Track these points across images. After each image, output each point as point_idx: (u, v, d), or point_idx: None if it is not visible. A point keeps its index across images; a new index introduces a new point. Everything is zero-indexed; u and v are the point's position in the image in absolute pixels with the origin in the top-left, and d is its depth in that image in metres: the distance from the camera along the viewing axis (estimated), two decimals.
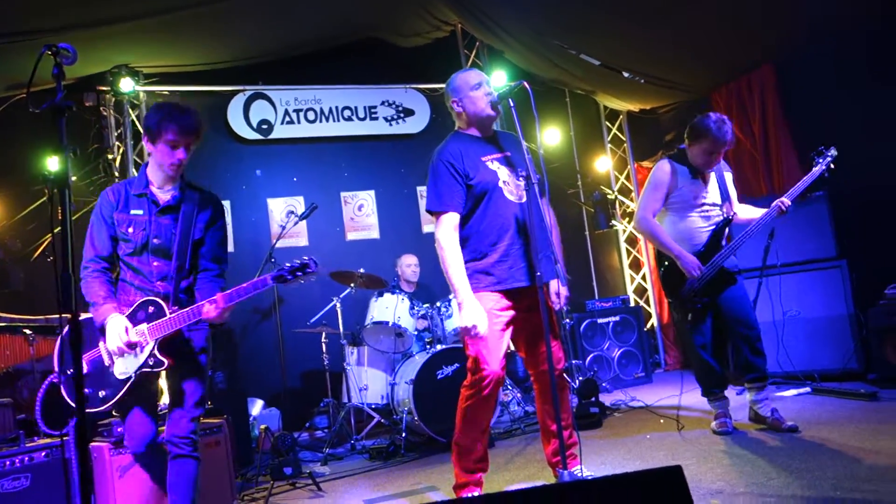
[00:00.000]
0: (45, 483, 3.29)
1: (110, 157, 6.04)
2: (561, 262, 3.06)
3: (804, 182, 3.80)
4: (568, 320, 6.08)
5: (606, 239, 7.87)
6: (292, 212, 6.31)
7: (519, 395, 5.37)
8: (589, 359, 6.27)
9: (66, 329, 2.64)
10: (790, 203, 3.76)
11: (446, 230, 2.92)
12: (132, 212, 2.73)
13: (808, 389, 4.76)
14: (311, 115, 6.70)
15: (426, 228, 6.85)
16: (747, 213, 3.96)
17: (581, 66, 6.52)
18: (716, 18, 5.33)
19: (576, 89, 7.58)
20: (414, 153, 6.81)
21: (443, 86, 3.14)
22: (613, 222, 7.53)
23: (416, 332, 5.24)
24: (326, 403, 5.44)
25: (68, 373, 2.69)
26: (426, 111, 7.04)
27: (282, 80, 6.63)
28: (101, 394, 2.68)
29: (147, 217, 2.73)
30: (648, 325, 7.48)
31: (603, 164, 7.93)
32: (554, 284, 3.02)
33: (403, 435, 4.61)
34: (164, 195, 2.78)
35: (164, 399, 3.06)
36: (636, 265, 7.84)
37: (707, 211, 3.89)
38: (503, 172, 3.00)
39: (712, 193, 3.90)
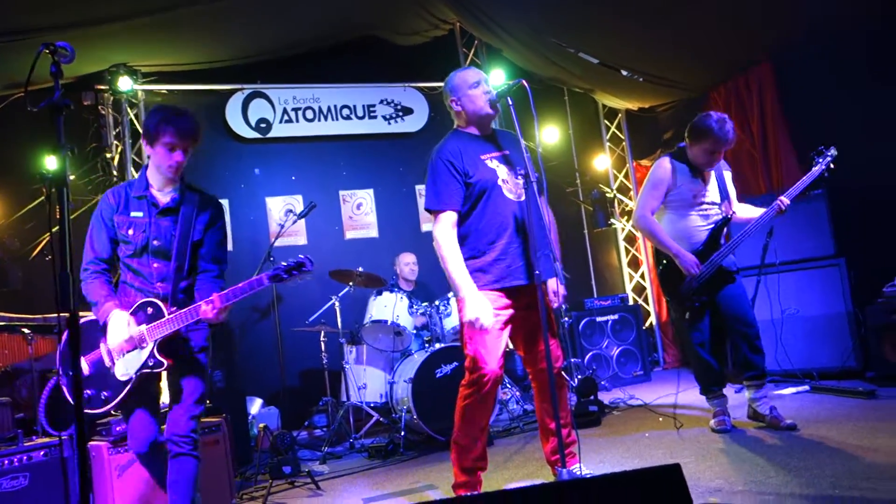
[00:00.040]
0: (43, 482, 3.29)
1: (108, 156, 6.04)
2: (559, 260, 3.06)
3: (804, 182, 3.80)
4: (567, 318, 6.08)
5: (605, 237, 7.87)
6: (291, 210, 6.31)
7: (518, 393, 5.37)
8: (588, 357, 6.28)
9: (66, 332, 2.70)
10: (789, 202, 3.76)
11: (444, 228, 2.92)
12: (132, 214, 2.75)
13: (806, 388, 4.76)
14: (309, 114, 6.70)
15: (425, 227, 6.85)
16: (746, 212, 3.96)
17: (579, 65, 6.51)
18: (715, 17, 5.33)
19: (574, 88, 7.58)
20: (412, 152, 6.80)
21: (441, 84, 3.13)
22: (612, 221, 7.53)
23: (414, 331, 5.24)
24: (325, 402, 5.44)
25: (71, 374, 2.67)
26: (425, 110, 7.04)
27: (280, 78, 6.62)
28: (104, 395, 2.71)
29: (147, 219, 2.76)
30: (647, 324, 7.49)
31: (601, 162, 7.93)
32: (552, 283, 3.02)
33: (402, 433, 4.61)
34: (163, 197, 2.80)
35: (165, 398, 3.06)
36: (635, 263, 7.84)
37: (706, 210, 3.89)
38: (502, 171, 3.00)
39: (712, 192, 3.90)
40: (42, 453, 3.33)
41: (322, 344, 5.41)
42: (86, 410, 2.70)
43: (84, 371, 2.73)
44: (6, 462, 3.21)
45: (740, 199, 4.07)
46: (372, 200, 6.89)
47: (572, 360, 5.88)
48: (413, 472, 4.04)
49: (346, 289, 5.43)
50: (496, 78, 6.66)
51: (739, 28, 5.41)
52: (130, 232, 2.74)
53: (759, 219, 3.82)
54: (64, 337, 2.71)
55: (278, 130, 6.59)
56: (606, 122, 7.96)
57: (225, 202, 6.35)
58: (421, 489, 3.64)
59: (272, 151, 6.64)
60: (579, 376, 5.27)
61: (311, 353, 5.75)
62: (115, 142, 6.12)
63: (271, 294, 6.06)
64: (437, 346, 4.82)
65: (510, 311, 2.95)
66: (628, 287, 7.76)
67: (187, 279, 2.80)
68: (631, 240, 7.85)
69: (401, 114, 7.00)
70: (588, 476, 3.00)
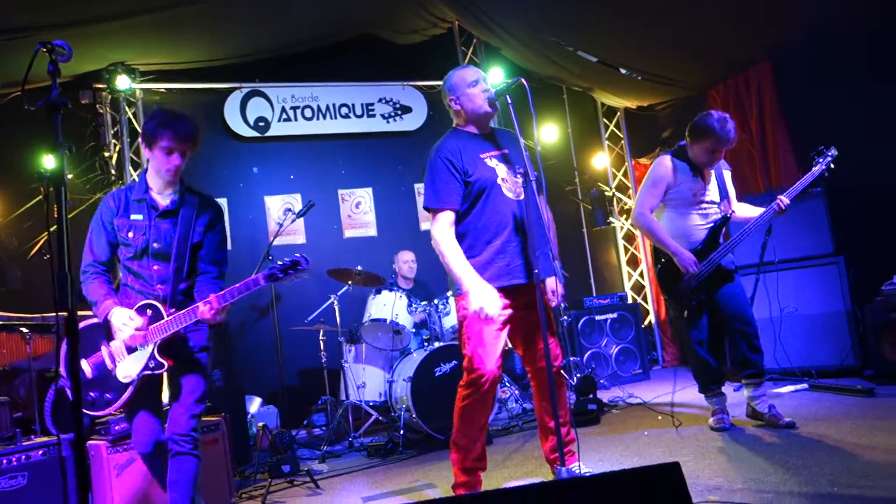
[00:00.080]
0: (42, 482, 3.28)
1: (107, 154, 6.03)
2: (558, 259, 3.06)
3: (803, 181, 3.79)
4: (566, 317, 6.08)
5: (604, 236, 7.87)
6: (290, 209, 6.30)
7: (517, 392, 5.38)
8: (587, 356, 6.28)
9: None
10: (789, 202, 3.76)
11: (443, 227, 2.91)
12: (132, 217, 2.78)
13: (805, 386, 4.77)
14: (308, 113, 6.69)
15: (423, 226, 6.84)
16: (745, 211, 3.95)
17: (578, 63, 6.51)
18: (714, 16, 5.33)
19: (573, 86, 7.58)
20: (411, 150, 6.80)
21: (440, 83, 3.13)
22: (611, 219, 7.53)
23: (413, 330, 5.24)
24: (324, 401, 5.44)
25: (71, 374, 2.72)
26: (423, 108, 7.03)
27: (279, 77, 6.61)
28: (107, 397, 2.74)
29: (147, 222, 2.78)
30: (646, 322, 7.49)
31: (600, 160, 7.93)
32: (551, 282, 3.02)
33: (401, 432, 4.61)
34: (163, 200, 2.82)
35: (166, 396, 3.07)
36: (634, 262, 7.84)
37: (705, 208, 3.89)
38: (501, 170, 2.99)
39: (711, 191, 3.90)
40: (40, 452, 3.32)
41: (321, 343, 5.40)
42: (90, 412, 2.74)
43: (87, 374, 2.75)
44: (4, 461, 3.21)
45: (739, 198, 4.07)
46: (370, 199, 6.88)
47: (571, 358, 5.89)
48: (412, 471, 4.04)
49: (345, 288, 5.43)
50: (495, 76, 6.66)
51: (738, 27, 5.41)
52: (130, 235, 2.76)
53: (758, 218, 3.82)
54: (65, 340, 2.72)
55: (277, 129, 6.58)
56: (605, 120, 7.96)
57: (223, 201, 6.34)
58: (420, 488, 3.64)
59: (271, 150, 6.63)
60: (578, 375, 5.27)
61: (310, 352, 5.75)
62: (114, 140, 6.12)
63: (270, 293, 6.06)
64: (436, 344, 4.81)
65: (509, 311, 2.94)
66: (627, 286, 7.76)
67: (187, 281, 2.81)
68: (630, 238, 7.85)
69: (399, 112, 6.99)
70: (587, 475, 2.99)
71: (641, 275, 7.74)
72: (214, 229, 2.88)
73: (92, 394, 2.73)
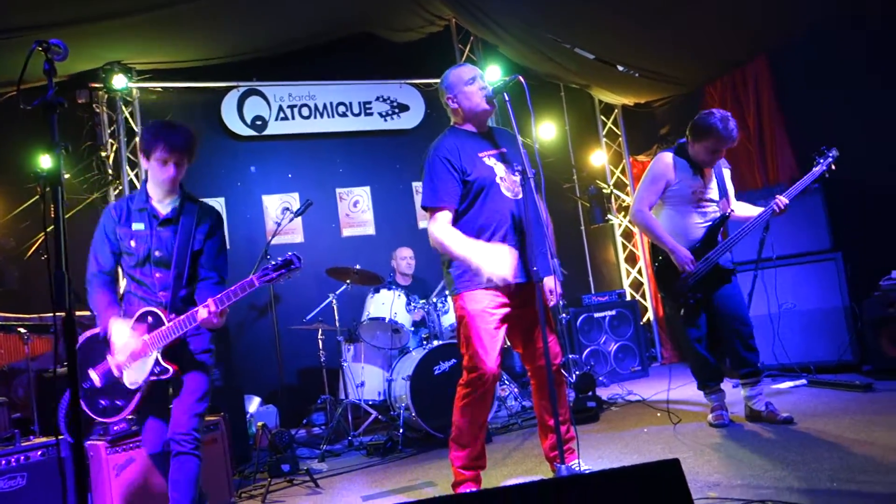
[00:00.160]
0: (41, 482, 3.28)
1: (103, 154, 6.01)
2: (556, 257, 3.06)
3: (804, 181, 3.79)
4: (564, 315, 6.09)
5: (602, 233, 7.87)
6: (287, 208, 6.29)
7: (516, 389, 5.38)
8: (585, 353, 6.29)
9: (78, 343, 2.79)
10: (788, 202, 3.75)
11: (441, 225, 2.90)
12: (134, 226, 2.84)
13: (803, 381, 4.77)
14: (305, 111, 6.68)
15: (422, 224, 6.84)
16: (744, 210, 3.95)
17: (575, 60, 6.51)
18: (711, 13, 5.33)
19: (570, 83, 7.57)
20: (409, 149, 6.79)
21: (437, 81, 3.12)
22: (609, 217, 7.53)
23: (412, 328, 5.24)
24: (323, 400, 5.44)
25: (84, 386, 2.82)
26: (421, 106, 7.02)
27: (276, 75, 6.60)
28: (117, 404, 2.80)
29: (148, 231, 2.84)
30: (645, 319, 7.50)
31: (598, 158, 7.93)
32: (549, 281, 3.02)
33: (401, 431, 4.61)
34: (163, 209, 2.88)
35: None
36: (632, 259, 7.85)
37: (704, 207, 3.88)
38: (500, 169, 2.99)
39: (711, 190, 3.90)
40: (39, 453, 3.32)
41: (320, 342, 5.40)
42: (103, 419, 2.84)
43: (96, 383, 2.82)
44: (3, 462, 3.21)
45: (737, 195, 4.07)
46: (368, 198, 6.88)
47: (570, 356, 5.89)
48: (412, 470, 4.04)
49: (344, 286, 5.43)
50: (492, 74, 6.64)
51: (736, 23, 5.41)
52: (133, 244, 2.82)
53: (756, 218, 3.83)
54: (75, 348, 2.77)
55: (274, 128, 6.57)
56: (603, 117, 7.96)
57: (221, 200, 6.34)
58: (419, 486, 3.64)
59: (268, 149, 6.62)
60: (577, 372, 5.28)
61: (308, 352, 5.75)
62: (110, 140, 6.10)
63: (269, 293, 6.05)
64: (435, 343, 4.81)
65: (507, 310, 2.94)
66: (625, 283, 7.77)
67: (187, 287, 2.86)
68: (628, 235, 7.85)
69: (397, 111, 6.98)
70: (587, 472, 2.99)
71: (640, 272, 7.75)
72: (214, 236, 2.94)
73: (102, 401, 2.80)
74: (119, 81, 5.86)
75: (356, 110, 6.86)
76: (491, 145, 3.04)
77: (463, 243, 2.83)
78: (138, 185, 6.02)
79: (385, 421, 5.18)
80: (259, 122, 6.52)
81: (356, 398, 5.18)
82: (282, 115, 6.60)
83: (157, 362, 2.73)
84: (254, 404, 5.53)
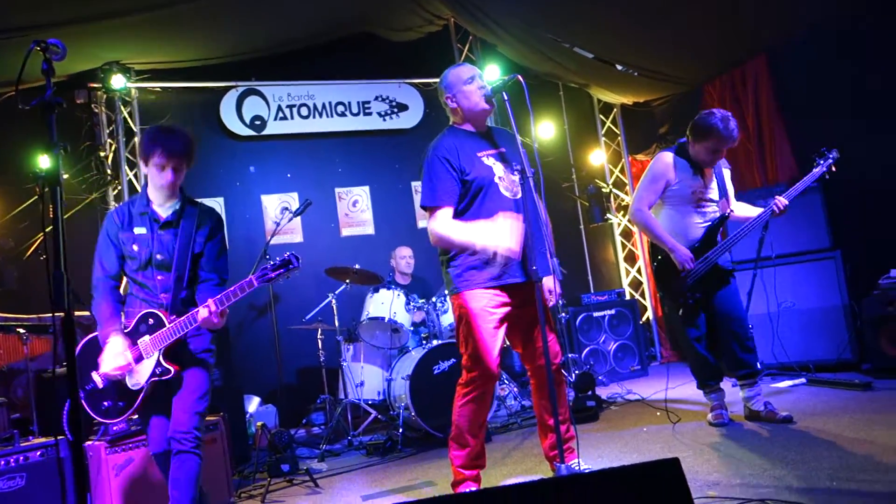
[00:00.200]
0: (40, 482, 3.28)
1: (102, 154, 6.00)
2: (555, 256, 3.05)
3: (804, 182, 3.79)
4: (563, 314, 6.08)
5: (601, 232, 7.87)
6: (286, 208, 6.27)
7: (516, 389, 5.37)
8: (585, 352, 6.29)
9: (79, 347, 2.87)
10: (787, 202, 3.75)
11: (441, 221, 2.89)
12: (136, 230, 2.88)
13: (803, 380, 4.78)
14: (304, 111, 6.68)
15: (421, 223, 6.84)
16: (744, 210, 3.95)
17: (574, 60, 6.50)
18: (710, 12, 5.32)
19: (569, 83, 7.57)
20: (408, 148, 6.79)
21: (436, 80, 3.12)
22: (608, 216, 7.53)
23: (412, 328, 5.24)
24: (323, 400, 5.44)
25: (87, 388, 2.86)
26: (420, 106, 7.02)
27: (275, 75, 6.59)
28: (120, 405, 2.84)
29: (149, 235, 2.88)
30: (644, 319, 7.50)
31: (597, 157, 7.93)
32: (548, 281, 3.01)
33: (400, 430, 4.61)
34: (164, 212, 2.92)
35: None
36: (631, 258, 7.85)
37: (704, 207, 3.88)
38: (498, 168, 2.98)
39: (711, 189, 3.89)
40: (38, 453, 3.32)
41: (319, 342, 5.40)
42: (106, 420, 2.88)
43: (98, 384, 2.85)
44: (2, 462, 3.21)
45: (736, 194, 4.07)
46: (368, 197, 6.87)
47: (569, 355, 5.89)
48: (411, 469, 4.04)
49: (343, 286, 5.43)
50: (491, 73, 6.63)
51: (736, 23, 5.41)
52: (135, 248, 2.86)
53: (755, 218, 3.82)
54: (77, 351, 2.81)
55: (273, 128, 6.57)
56: (602, 116, 7.96)
57: (220, 200, 6.33)
58: (419, 486, 3.64)
59: (267, 149, 6.62)
60: (577, 371, 5.28)
61: (308, 351, 5.74)
62: (109, 140, 6.09)
63: (268, 293, 6.05)
64: (435, 342, 4.81)
65: (507, 309, 2.94)
66: (625, 282, 7.77)
67: (188, 289, 2.89)
68: (627, 235, 7.85)
69: (396, 110, 6.98)
70: (586, 471, 2.99)
71: (639, 271, 7.75)
72: (214, 239, 2.97)
73: (105, 403, 2.84)
74: (118, 81, 5.85)
75: (355, 110, 6.85)
76: (490, 145, 3.04)
77: (463, 229, 2.84)
78: (137, 185, 6.02)
79: (384, 420, 5.18)
80: (258, 122, 6.52)
81: (356, 398, 5.18)
82: (281, 114, 6.60)
83: (158, 363, 2.77)
84: (253, 404, 5.52)
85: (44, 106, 1.99)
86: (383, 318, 5.06)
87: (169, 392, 2.84)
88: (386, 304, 5.08)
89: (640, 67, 6.38)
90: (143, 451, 3.45)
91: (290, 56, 6.60)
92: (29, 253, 5.51)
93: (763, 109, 5.93)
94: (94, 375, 2.83)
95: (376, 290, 5.23)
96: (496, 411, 5.09)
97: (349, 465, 4.39)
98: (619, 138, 7.87)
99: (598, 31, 6.01)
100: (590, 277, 7.75)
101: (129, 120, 6.15)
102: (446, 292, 3.12)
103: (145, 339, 2.78)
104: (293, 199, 6.57)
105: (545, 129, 7.58)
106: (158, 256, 2.85)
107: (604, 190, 7.62)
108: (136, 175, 6.06)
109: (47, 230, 1.98)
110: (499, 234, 2.75)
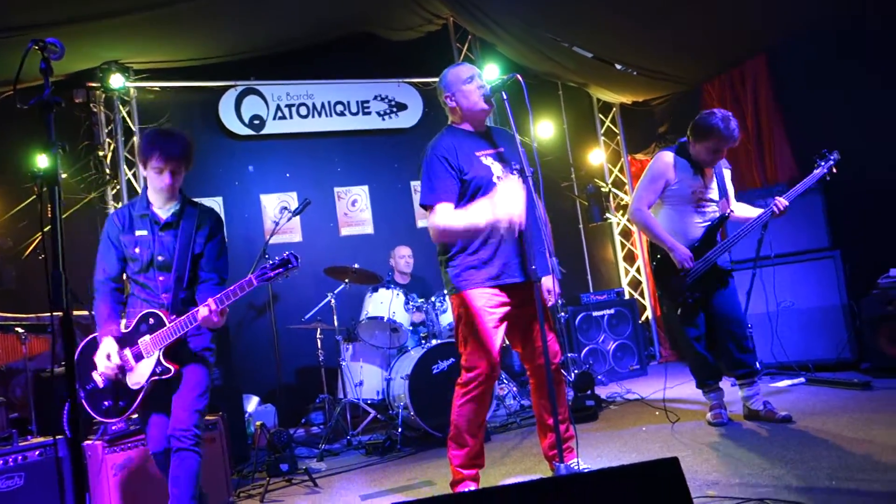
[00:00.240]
0: (39, 482, 3.28)
1: (101, 153, 6.00)
2: (554, 256, 3.05)
3: (804, 184, 3.79)
4: (563, 314, 6.08)
5: (600, 232, 7.87)
6: (285, 208, 6.27)
7: (515, 389, 5.37)
8: (584, 352, 6.28)
9: (80, 346, 2.89)
10: (787, 204, 3.75)
11: (441, 214, 2.87)
12: (137, 233, 2.91)
13: (802, 380, 4.78)
14: (303, 110, 6.67)
15: (420, 223, 6.83)
16: (744, 211, 3.95)
17: (573, 59, 6.50)
18: (710, 12, 5.32)
19: (568, 82, 7.57)
20: (407, 148, 6.78)
21: (435, 80, 3.11)
22: (607, 215, 7.53)
23: (411, 327, 5.24)
24: (322, 399, 5.44)
25: (87, 388, 2.88)
26: (419, 105, 7.01)
27: (273, 75, 6.58)
28: (120, 404, 2.86)
29: (150, 236, 2.91)
30: (643, 318, 7.50)
31: (596, 156, 7.93)
32: (547, 281, 3.01)
33: (399, 430, 4.61)
34: (164, 214, 2.95)
35: None
36: (630, 258, 7.85)
37: (704, 206, 3.88)
38: (497, 168, 2.98)
39: (711, 190, 3.89)
40: (37, 453, 3.32)
41: (318, 341, 5.39)
42: (106, 419, 2.92)
43: (98, 384, 2.87)
44: (1, 462, 3.21)
45: (735, 194, 4.07)
46: (367, 197, 6.87)
47: (569, 354, 5.89)
48: (410, 469, 4.04)
49: (342, 286, 5.42)
50: (490, 73, 6.64)
51: (735, 23, 5.41)
52: (137, 250, 2.90)
53: (755, 219, 3.82)
54: (77, 351, 2.89)
55: (272, 127, 6.56)
56: (601, 116, 7.96)
57: (219, 199, 6.33)
58: (418, 486, 3.63)
59: (266, 148, 6.61)
60: (576, 371, 5.28)
61: (307, 351, 5.74)
62: (108, 139, 6.08)
63: (267, 292, 6.04)
64: (434, 342, 4.81)
65: (506, 309, 2.94)
66: (624, 281, 7.77)
67: (188, 289, 2.92)
68: (626, 234, 7.85)
69: (395, 109, 6.98)
70: (586, 471, 2.99)
71: (638, 270, 7.75)
72: (215, 239, 3.00)
73: (106, 402, 2.86)
74: (116, 81, 5.84)
75: (354, 109, 6.85)
76: (488, 144, 3.04)
77: (463, 214, 2.82)
78: (136, 185, 6.02)
79: (384, 420, 5.18)
80: (257, 122, 6.51)
81: (355, 397, 5.18)
82: (280, 114, 6.59)
83: (158, 362, 2.79)
84: (252, 404, 5.52)
85: (42, 105, 1.99)
86: (382, 318, 5.05)
87: (169, 391, 2.86)
88: (385, 304, 5.08)
89: (640, 67, 6.38)
90: (141, 450, 3.45)
91: (289, 55, 6.59)
92: (27, 252, 5.50)
93: (762, 109, 5.93)
94: (95, 375, 2.85)
95: (375, 290, 5.23)
96: (495, 411, 5.09)
97: (348, 464, 4.39)
98: (619, 138, 7.86)
99: (597, 30, 6.01)
100: (589, 277, 7.75)
101: (127, 119, 6.14)
102: (445, 292, 3.12)
103: (146, 339, 2.80)
104: (292, 199, 6.56)
105: (544, 129, 7.58)
106: (160, 258, 2.88)
107: (603, 189, 7.62)
108: (134, 175, 6.06)
109: (46, 230, 1.97)
110: (499, 203, 2.73)
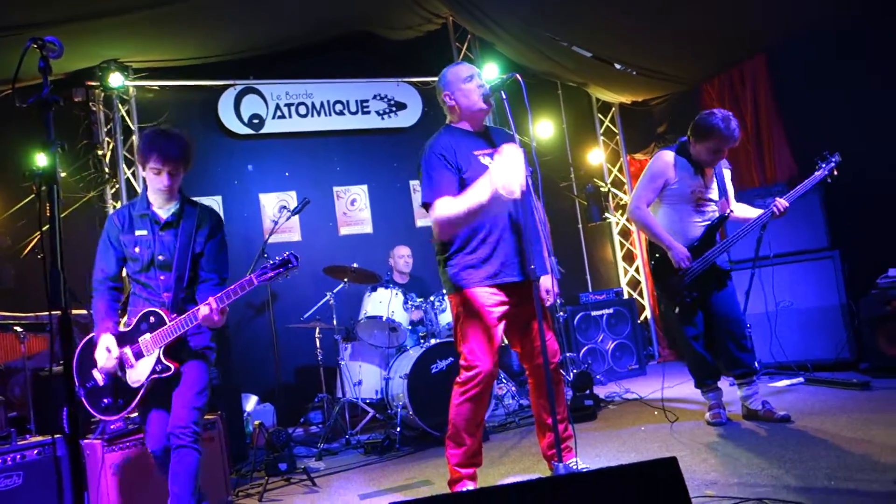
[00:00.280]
0: (37, 481, 3.27)
1: (100, 152, 5.99)
2: (553, 255, 3.05)
3: (804, 186, 3.79)
4: (561, 313, 6.08)
5: (600, 231, 7.87)
6: (285, 207, 6.27)
7: (514, 388, 5.37)
8: (583, 351, 6.29)
9: (79, 345, 2.91)
10: (788, 205, 3.75)
11: (442, 206, 2.82)
12: (137, 233, 2.93)
13: (800, 380, 4.78)
14: (302, 110, 6.67)
15: (419, 222, 6.83)
16: (743, 211, 3.95)
17: (573, 58, 6.50)
18: (710, 12, 5.32)
19: (568, 81, 7.57)
20: (406, 147, 6.77)
21: (435, 79, 3.11)
22: (607, 215, 7.54)
23: (410, 327, 5.24)
24: (321, 399, 5.43)
25: (87, 386, 2.89)
26: (418, 105, 7.01)
27: (273, 74, 6.58)
28: (120, 402, 2.87)
29: (151, 236, 2.92)
30: (642, 318, 7.50)
31: (595, 156, 7.93)
32: (546, 280, 3.01)
33: (398, 429, 4.61)
34: (164, 213, 2.96)
35: None
36: (629, 257, 7.85)
37: (703, 206, 3.88)
38: None
39: (711, 190, 3.90)
40: (36, 452, 3.31)
41: (317, 340, 5.39)
42: (105, 417, 2.94)
43: (99, 382, 2.89)
44: (0, 461, 3.20)
45: (735, 193, 4.07)
46: (366, 196, 6.87)
47: (568, 354, 5.89)
48: (409, 468, 4.04)
49: (341, 285, 5.42)
50: (489, 72, 6.64)
51: (734, 22, 5.41)
52: (137, 250, 2.91)
53: (755, 220, 3.83)
54: (77, 349, 2.92)
55: (271, 126, 6.55)
56: (600, 115, 7.96)
57: (218, 199, 6.33)
58: (417, 485, 3.63)
59: (265, 147, 6.60)
60: (575, 371, 5.28)
61: (306, 350, 5.74)
62: (107, 138, 6.08)
63: (266, 291, 6.04)
64: (433, 341, 4.81)
65: (505, 308, 2.94)
66: (623, 281, 7.77)
67: (188, 289, 2.93)
68: (625, 234, 7.86)
69: (394, 109, 6.97)
70: (584, 470, 2.99)
71: (637, 270, 7.75)
72: (215, 238, 3.01)
73: (105, 400, 2.88)
74: (115, 80, 5.83)
75: (353, 108, 6.84)
76: (487, 144, 3.03)
77: (464, 198, 2.75)
78: (135, 184, 6.01)
79: (382, 419, 5.18)
80: (256, 121, 6.51)
81: (353, 397, 5.18)
82: (279, 113, 6.59)
83: (158, 360, 2.80)
84: (251, 403, 5.52)
85: (41, 104, 1.99)
86: (381, 317, 5.05)
87: (168, 389, 2.87)
88: (384, 303, 5.08)
89: (639, 66, 6.38)
90: (140, 449, 3.45)
91: (288, 54, 6.59)
92: (26, 251, 5.50)
93: (762, 109, 5.93)
94: (95, 373, 2.86)
95: (374, 289, 5.23)
96: (494, 410, 5.09)
97: (347, 463, 4.39)
98: (618, 137, 7.87)
99: (596, 29, 6.01)
100: (588, 276, 7.75)
101: (126, 118, 6.14)
102: (444, 292, 3.12)
103: (146, 337, 2.81)
104: (291, 198, 6.56)
105: (543, 128, 7.58)
106: (160, 257, 2.90)
107: (602, 189, 7.62)
108: (133, 174, 6.05)
109: (44, 228, 1.97)
110: (498, 175, 2.62)
